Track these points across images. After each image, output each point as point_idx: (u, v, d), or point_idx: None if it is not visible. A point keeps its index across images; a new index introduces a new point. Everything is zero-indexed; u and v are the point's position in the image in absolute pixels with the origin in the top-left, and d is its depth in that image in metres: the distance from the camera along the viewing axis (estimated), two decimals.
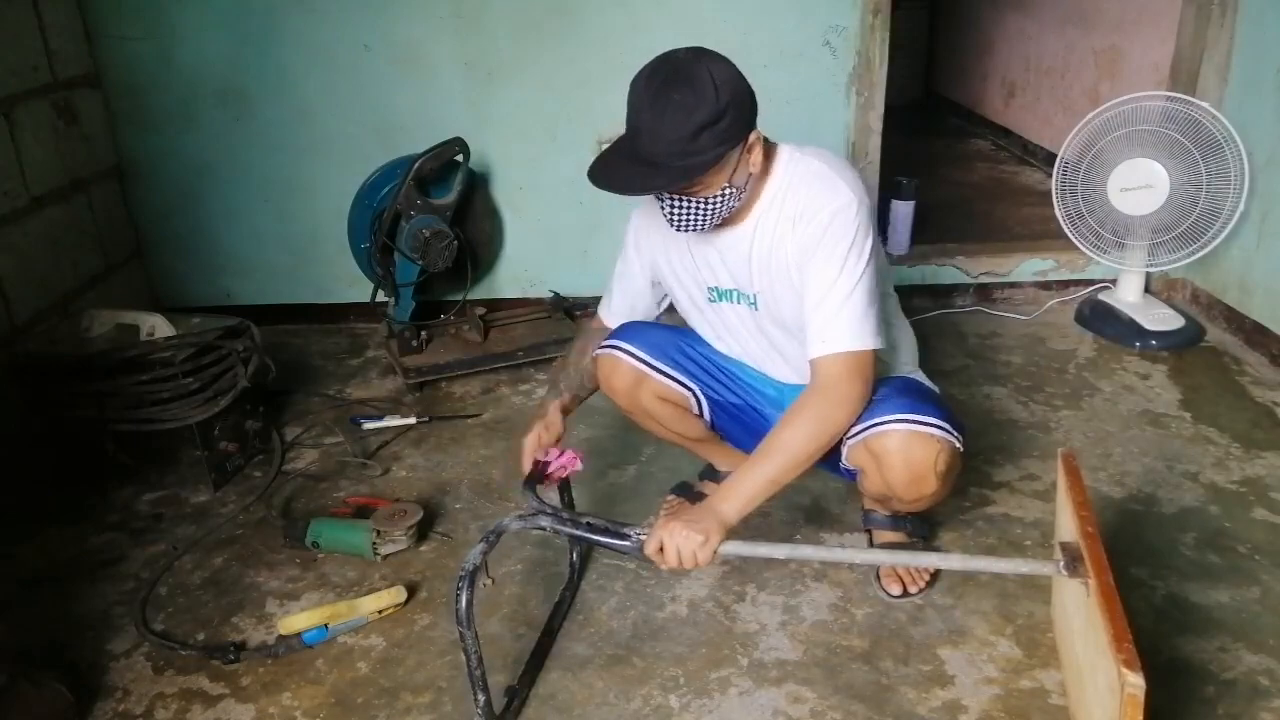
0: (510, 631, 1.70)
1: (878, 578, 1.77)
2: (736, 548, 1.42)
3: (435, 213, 2.64)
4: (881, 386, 1.65)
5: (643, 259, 1.74)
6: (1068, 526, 1.43)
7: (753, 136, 1.44)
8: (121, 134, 2.89)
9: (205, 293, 3.03)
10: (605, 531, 1.45)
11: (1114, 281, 2.95)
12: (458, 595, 1.38)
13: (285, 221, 3.00)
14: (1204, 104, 2.53)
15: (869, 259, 1.48)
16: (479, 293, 3.05)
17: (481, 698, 1.43)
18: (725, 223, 1.55)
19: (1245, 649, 1.58)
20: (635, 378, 1.74)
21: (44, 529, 2.04)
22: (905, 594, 1.73)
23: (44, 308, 2.49)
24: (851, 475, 1.74)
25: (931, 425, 1.53)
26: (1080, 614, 1.35)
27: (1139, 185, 2.59)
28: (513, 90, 2.86)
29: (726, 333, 1.73)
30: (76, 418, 2.05)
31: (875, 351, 1.50)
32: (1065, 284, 3.12)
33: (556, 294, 2.99)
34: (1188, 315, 2.81)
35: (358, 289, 2.89)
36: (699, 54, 1.40)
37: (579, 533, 1.48)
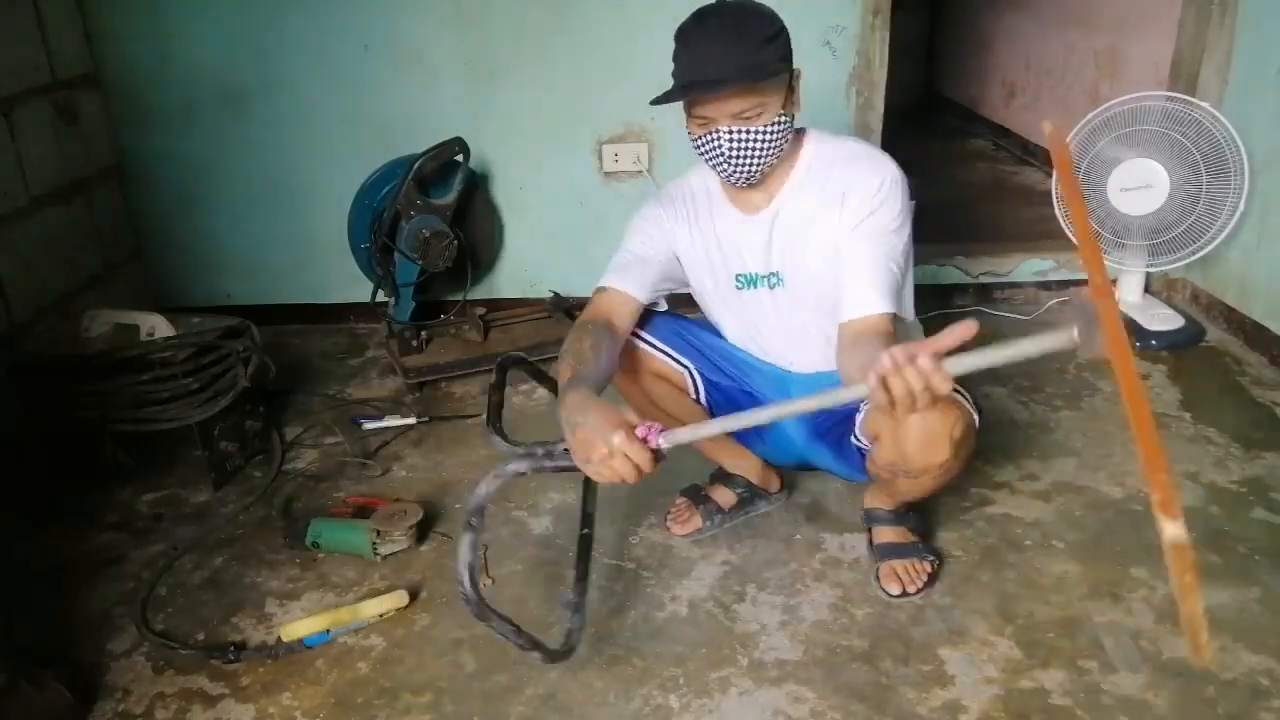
0: None
1: (877, 577, 1.77)
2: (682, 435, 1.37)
3: (435, 213, 2.64)
4: None
5: (663, 245, 1.71)
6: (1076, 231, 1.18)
7: (797, 71, 1.53)
8: (121, 134, 2.89)
9: (205, 293, 3.03)
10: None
11: (1114, 281, 2.95)
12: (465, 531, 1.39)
13: (285, 221, 3.00)
14: (1204, 104, 2.53)
15: (907, 229, 1.58)
16: (479, 293, 3.05)
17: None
18: (749, 203, 1.63)
19: (1245, 649, 1.58)
20: (631, 354, 1.76)
21: (44, 529, 2.04)
22: (904, 594, 1.73)
23: (44, 308, 2.49)
24: (860, 463, 1.73)
25: (955, 391, 1.53)
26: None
27: (1139, 185, 2.59)
28: (513, 90, 2.86)
29: (750, 324, 1.76)
30: (76, 418, 2.05)
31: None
32: (1065, 284, 3.11)
33: (556, 294, 2.99)
34: (1188, 315, 2.81)
35: (358, 289, 2.89)
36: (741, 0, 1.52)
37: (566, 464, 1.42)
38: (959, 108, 5.73)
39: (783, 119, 1.51)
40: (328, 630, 1.67)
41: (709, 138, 1.51)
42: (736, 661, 1.61)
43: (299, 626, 1.67)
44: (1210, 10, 2.74)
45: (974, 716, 1.48)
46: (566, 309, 2.96)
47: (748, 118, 1.48)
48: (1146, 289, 2.91)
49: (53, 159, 2.59)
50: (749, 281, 1.70)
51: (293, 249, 3.04)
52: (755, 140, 1.50)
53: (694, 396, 1.81)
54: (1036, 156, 4.57)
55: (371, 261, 2.73)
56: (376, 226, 2.64)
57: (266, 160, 2.93)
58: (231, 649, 1.64)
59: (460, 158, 2.67)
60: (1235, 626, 1.63)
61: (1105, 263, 1.04)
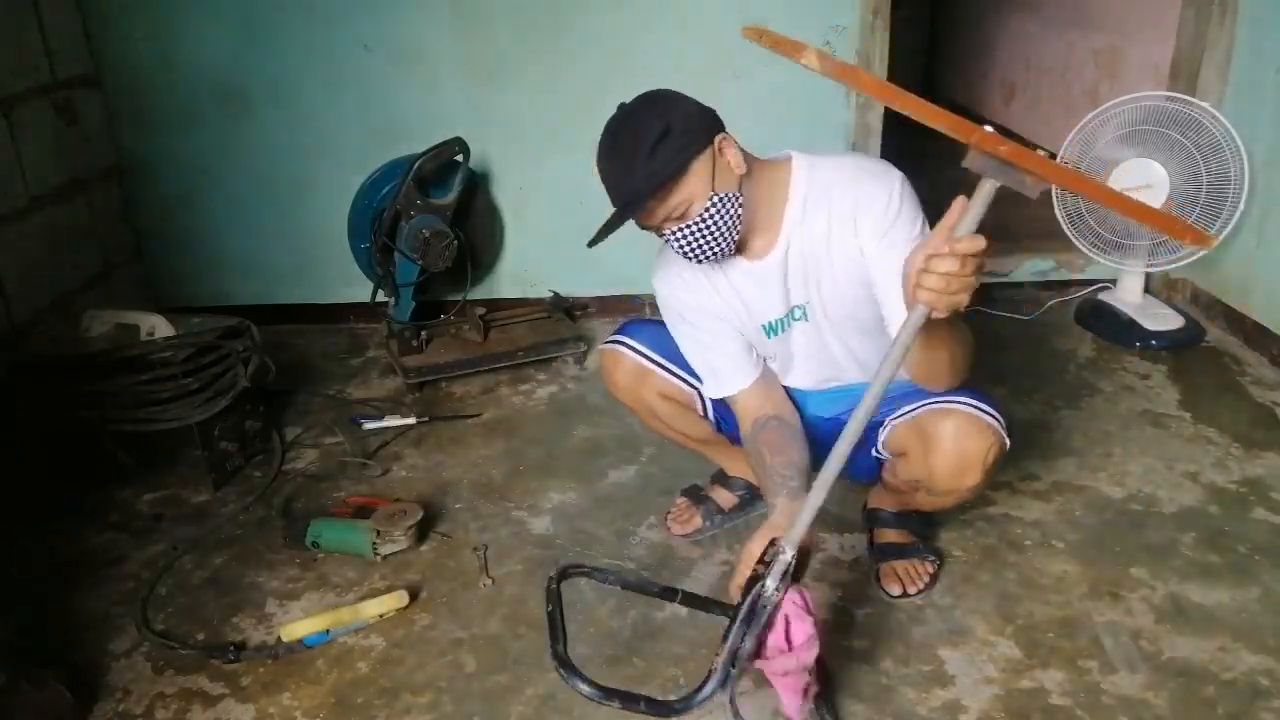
0: (510, 631, 1.70)
1: (877, 578, 1.77)
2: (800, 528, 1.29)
3: (435, 213, 2.64)
4: None
5: (712, 317, 1.65)
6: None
7: (719, 140, 1.46)
8: (121, 134, 2.89)
9: (205, 293, 3.03)
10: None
11: (1114, 281, 2.95)
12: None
13: (285, 221, 3.00)
14: (1204, 104, 2.53)
15: (927, 227, 1.50)
16: (479, 293, 3.05)
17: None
18: (753, 248, 1.56)
19: (1245, 649, 1.58)
20: (638, 373, 1.75)
21: (44, 529, 2.04)
22: (905, 594, 1.73)
23: (44, 308, 2.49)
24: (871, 473, 1.73)
25: (990, 415, 1.53)
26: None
27: (1139, 185, 2.59)
28: (513, 90, 2.86)
29: (780, 361, 1.71)
30: (76, 418, 2.05)
31: None
32: (1065, 284, 3.11)
33: (556, 294, 2.99)
34: (1188, 315, 2.81)
35: (358, 289, 2.89)
36: (638, 99, 1.49)
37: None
38: (959, 108, 5.72)
39: (717, 200, 1.44)
40: (327, 630, 1.67)
41: (665, 238, 1.51)
42: None
43: (299, 627, 1.67)
44: (1210, 10, 2.74)
45: (974, 716, 1.48)
46: (566, 309, 2.96)
47: (680, 215, 1.45)
48: (1146, 289, 2.90)
49: (53, 159, 2.59)
50: (773, 329, 1.64)
51: (293, 249, 3.03)
52: (699, 231, 1.46)
53: (701, 414, 1.79)
54: None
55: (371, 261, 2.73)
56: (376, 226, 2.64)
57: (266, 160, 2.93)
58: (231, 649, 1.64)
59: (460, 158, 2.67)
60: (1235, 626, 1.63)
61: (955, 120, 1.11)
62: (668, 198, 1.43)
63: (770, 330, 1.64)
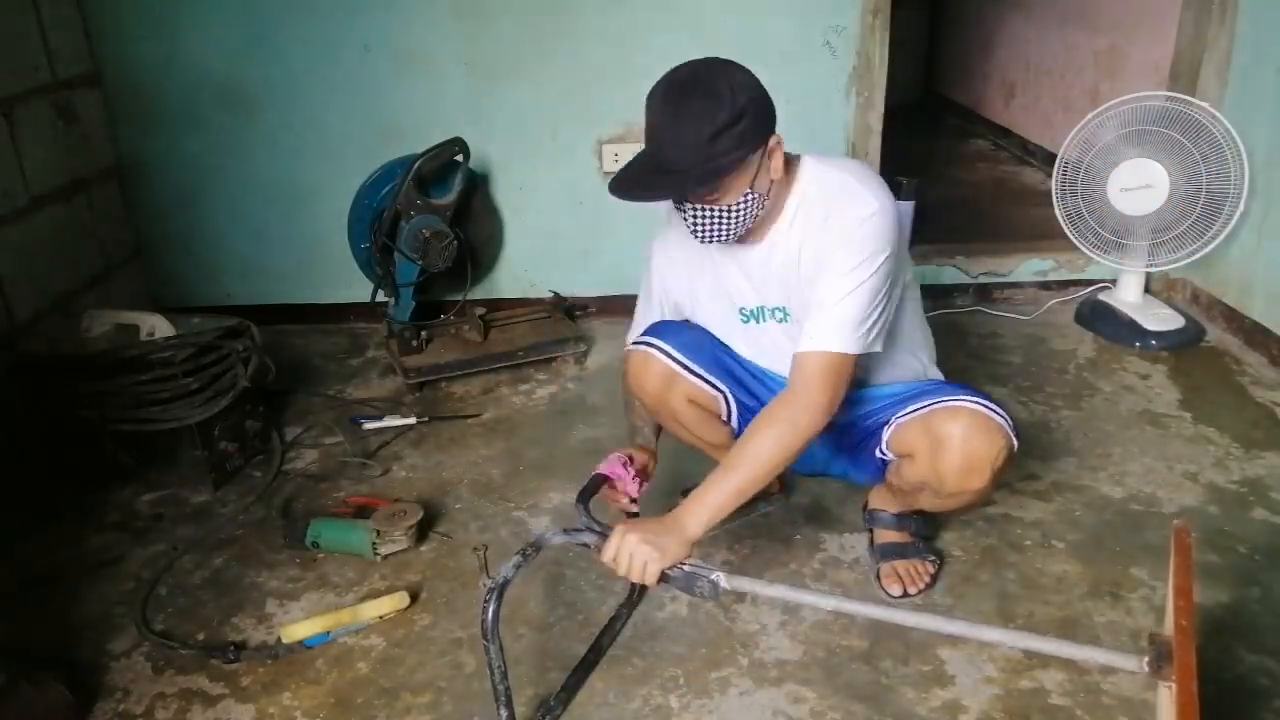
0: (510, 631, 1.69)
1: (878, 578, 1.77)
2: (744, 584, 1.39)
3: (435, 213, 2.64)
4: (928, 381, 1.68)
5: (668, 300, 1.73)
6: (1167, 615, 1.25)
7: (773, 141, 1.43)
8: (121, 134, 2.88)
9: (205, 293, 3.03)
10: None
11: (1114, 281, 2.95)
12: (485, 606, 1.34)
13: (285, 221, 3.00)
14: (1204, 104, 2.53)
15: (880, 268, 1.45)
16: (479, 293, 3.05)
17: (504, 713, 1.40)
18: (748, 237, 1.55)
19: (1245, 649, 1.58)
20: (668, 376, 1.71)
21: (44, 529, 2.04)
22: (905, 594, 1.73)
23: (44, 308, 2.49)
24: (876, 474, 1.72)
25: (999, 414, 1.52)
26: (1166, 716, 1.17)
27: (1139, 185, 2.59)
28: (513, 90, 2.86)
29: (760, 351, 1.71)
30: (76, 418, 2.05)
31: (855, 358, 1.48)
32: (1065, 284, 3.11)
33: (556, 294, 3.00)
34: (1188, 315, 2.81)
35: (358, 289, 2.89)
36: (713, 62, 1.41)
37: None
38: (959, 108, 5.73)
39: (748, 197, 1.44)
40: (328, 632, 1.67)
41: (678, 208, 1.48)
42: (736, 661, 1.61)
43: (299, 629, 1.67)
44: (1210, 10, 2.74)
45: (974, 716, 1.48)
46: (566, 309, 2.96)
47: (710, 200, 1.43)
48: (1146, 289, 2.91)
49: (53, 159, 2.59)
50: (753, 315, 1.65)
51: (293, 249, 3.03)
52: (720, 217, 1.45)
53: (724, 418, 1.77)
54: (1036, 156, 4.57)
55: (371, 261, 2.73)
56: (376, 226, 2.64)
57: (266, 160, 2.93)
58: (231, 649, 1.64)
59: (460, 158, 2.67)
60: (1235, 626, 1.63)
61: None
62: (711, 193, 1.42)
63: (750, 315, 1.66)
